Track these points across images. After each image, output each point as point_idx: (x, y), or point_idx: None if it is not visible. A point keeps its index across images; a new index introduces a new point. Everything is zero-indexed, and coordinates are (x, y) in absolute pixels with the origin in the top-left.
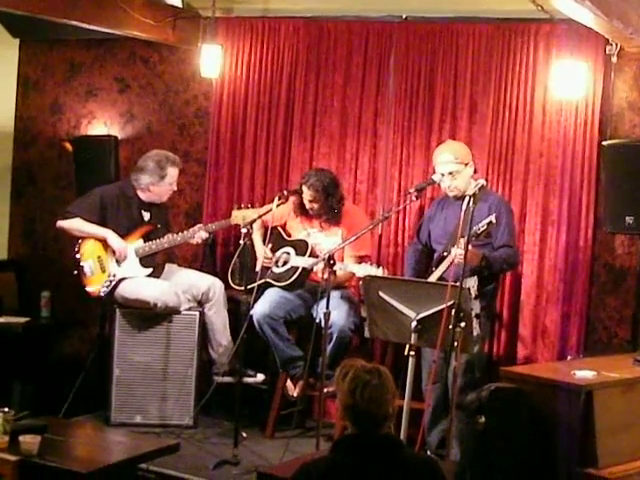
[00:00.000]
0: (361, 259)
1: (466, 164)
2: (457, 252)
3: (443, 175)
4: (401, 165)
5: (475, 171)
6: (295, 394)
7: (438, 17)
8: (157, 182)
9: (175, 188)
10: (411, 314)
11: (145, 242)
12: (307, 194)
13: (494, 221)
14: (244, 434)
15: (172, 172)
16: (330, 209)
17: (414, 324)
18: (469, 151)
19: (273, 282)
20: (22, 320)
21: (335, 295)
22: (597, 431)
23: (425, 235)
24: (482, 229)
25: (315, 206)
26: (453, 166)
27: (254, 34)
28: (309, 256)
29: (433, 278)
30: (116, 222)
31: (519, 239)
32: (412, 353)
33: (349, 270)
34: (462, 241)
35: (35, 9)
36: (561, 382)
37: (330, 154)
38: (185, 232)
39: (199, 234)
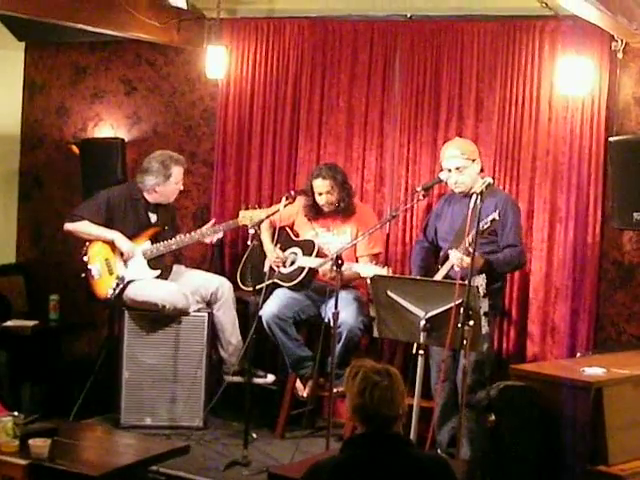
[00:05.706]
0: (375, 257)
1: (473, 160)
2: (457, 256)
3: (450, 170)
4: (408, 163)
5: (482, 170)
6: (305, 394)
7: (443, 15)
8: (163, 182)
9: (181, 187)
10: (420, 313)
11: (152, 244)
12: (321, 185)
13: (497, 218)
14: (254, 435)
15: (177, 171)
16: (343, 200)
17: (423, 323)
18: (476, 148)
19: (280, 282)
20: (31, 323)
21: (344, 295)
22: (607, 428)
23: (432, 232)
24: (486, 226)
25: (330, 197)
26: (459, 161)
27: (259, 35)
28: (316, 256)
29: (439, 276)
30: (123, 224)
31: (527, 236)
32: (421, 352)
33: (354, 270)
34: (461, 245)
35: (40, 12)
36: (570, 379)
37: (337, 153)
38: (198, 231)
39: (218, 233)
